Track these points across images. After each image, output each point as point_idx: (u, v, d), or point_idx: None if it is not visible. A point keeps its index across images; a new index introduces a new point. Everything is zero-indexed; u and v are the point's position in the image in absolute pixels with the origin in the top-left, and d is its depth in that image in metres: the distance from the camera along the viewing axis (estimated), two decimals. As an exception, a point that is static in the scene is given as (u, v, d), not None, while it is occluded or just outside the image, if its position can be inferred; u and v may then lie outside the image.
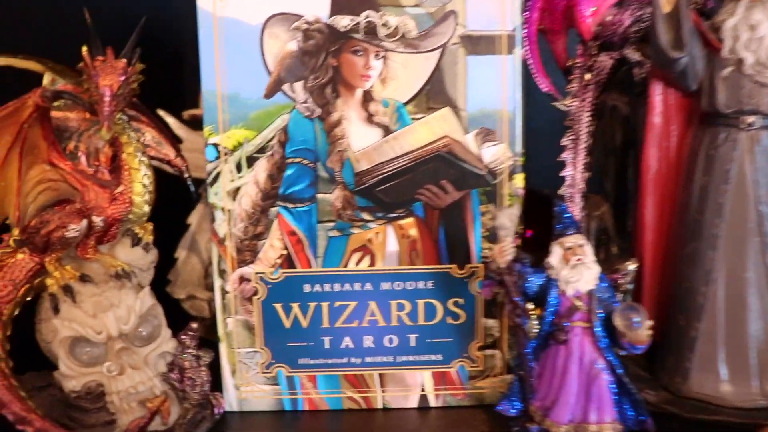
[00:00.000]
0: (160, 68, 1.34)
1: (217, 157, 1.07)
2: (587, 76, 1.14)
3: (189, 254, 1.32)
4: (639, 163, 1.13)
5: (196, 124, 1.26)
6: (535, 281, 1.00)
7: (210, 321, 1.21)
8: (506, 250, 0.98)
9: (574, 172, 1.14)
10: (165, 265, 1.29)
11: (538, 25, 1.13)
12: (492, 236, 1.08)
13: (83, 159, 1.03)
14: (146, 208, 1.02)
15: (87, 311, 1.00)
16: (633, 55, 1.11)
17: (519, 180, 1.08)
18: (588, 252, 0.99)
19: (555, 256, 1.00)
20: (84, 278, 1.02)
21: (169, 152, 1.08)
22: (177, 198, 1.13)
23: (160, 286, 1.24)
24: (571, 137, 1.14)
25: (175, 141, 1.10)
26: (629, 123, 1.13)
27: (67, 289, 1.01)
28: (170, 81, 1.38)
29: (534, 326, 0.99)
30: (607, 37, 1.12)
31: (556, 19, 1.15)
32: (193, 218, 1.32)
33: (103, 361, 1.01)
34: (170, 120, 1.31)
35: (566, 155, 1.14)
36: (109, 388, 1.02)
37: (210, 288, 1.31)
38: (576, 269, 0.98)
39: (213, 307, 1.28)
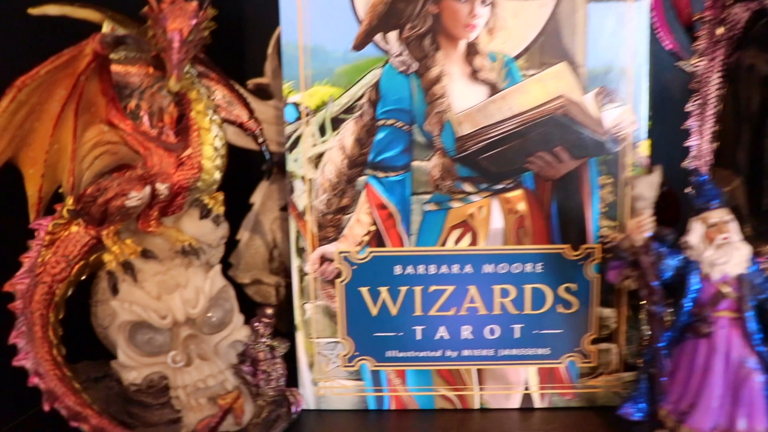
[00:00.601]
0: (220, 33, 1.22)
1: (298, 119, 0.93)
2: (718, 31, 0.99)
3: (252, 236, 1.19)
4: (780, 131, 0.97)
5: (261, 93, 1.13)
6: (670, 264, 0.85)
7: (277, 309, 1.07)
8: (644, 225, 0.83)
9: (701, 142, 0.99)
10: (226, 247, 1.16)
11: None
12: (611, 213, 0.93)
13: (145, 119, 0.89)
14: (217, 175, 0.89)
15: (150, 292, 0.87)
16: (776, 4, 0.95)
17: (644, 148, 0.93)
18: (735, 229, 0.85)
19: (695, 234, 0.85)
20: (146, 254, 0.88)
21: (241, 114, 0.95)
22: (238, 173, 0.99)
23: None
24: (697, 102, 0.99)
25: (247, 102, 0.96)
26: (768, 85, 0.98)
27: (128, 267, 0.87)
28: (231, 47, 1.25)
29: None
30: (746, -17, 0.97)
31: (682, -32, 1.00)
32: (257, 197, 1.18)
33: (167, 350, 0.88)
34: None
35: (691, 122, 0.99)
36: (174, 382, 0.88)
37: (276, 272, 1.18)
38: (722, 249, 0.83)
39: (281, 293, 1.15)
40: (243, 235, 1.20)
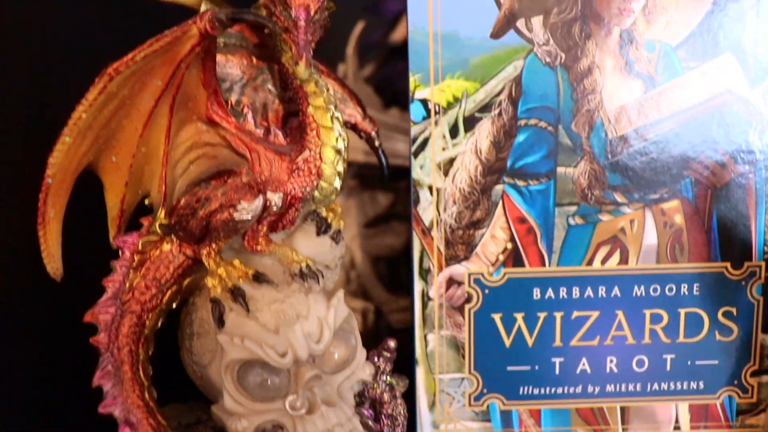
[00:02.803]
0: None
1: (426, 117, 0.80)
2: None
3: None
4: None
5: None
6: None
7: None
8: None
9: None
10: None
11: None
12: (779, 225, 0.82)
13: (250, 117, 0.75)
14: (337, 183, 0.75)
15: (266, 324, 0.72)
16: None
17: (818, 150, 0.81)
18: None
19: None
20: (259, 278, 0.74)
21: (354, 113, 0.81)
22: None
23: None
24: None
25: (359, 99, 0.82)
26: None
27: (237, 294, 0.73)
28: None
29: None
30: None
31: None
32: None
33: (285, 394, 0.73)
34: None
35: None
36: (293, 432, 0.73)
37: (355, 295, 1.04)
38: None
39: (369, 319, 1.02)
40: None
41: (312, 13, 0.70)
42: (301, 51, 0.70)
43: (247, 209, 0.73)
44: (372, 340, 0.94)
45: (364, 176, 1.07)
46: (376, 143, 0.82)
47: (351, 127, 0.82)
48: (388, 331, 1.04)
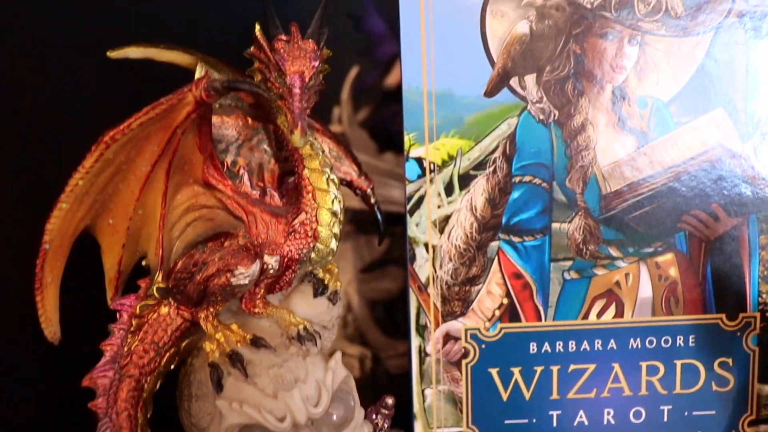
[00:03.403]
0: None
1: (421, 176, 0.80)
2: None
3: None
4: None
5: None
6: None
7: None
8: None
9: None
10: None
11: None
12: (771, 277, 0.82)
13: (246, 179, 0.76)
14: (334, 244, 0.75)
15: (264, 389, 0.72)
16: None
17: (809, 202, 0.82)
18: None
19: None
20: (257, 342, 0.74)
21: (350, 170, 0.81)
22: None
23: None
24: None
25: (355, 156, 0.82)
26: None
27: (236, 358, 0.73)
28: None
29: None
30: None
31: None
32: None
33: (284, 456, 0.73)
34: None
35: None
36: (289, 497, 0.74)
37: (351, 339, 1.05)
38: None
39: (366, 366, 1.02)
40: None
41: (307, 79, 0.71)
42: (297, 119, 0.70)
43: (244, 274, 0.73)
44: (369, 387, 0.95)
45: (360, 221, 1.07)
46: (372, 200, 0.83)
47: (347, 184, 0.82)
48: (386, 377, 1.05)
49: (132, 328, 0.76)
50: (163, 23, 0.93)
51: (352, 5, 1.00)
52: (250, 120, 0.78)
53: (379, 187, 0.85)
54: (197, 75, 0.76)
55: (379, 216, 0.83)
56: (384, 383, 1.03)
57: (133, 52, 0.78)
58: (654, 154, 0.81)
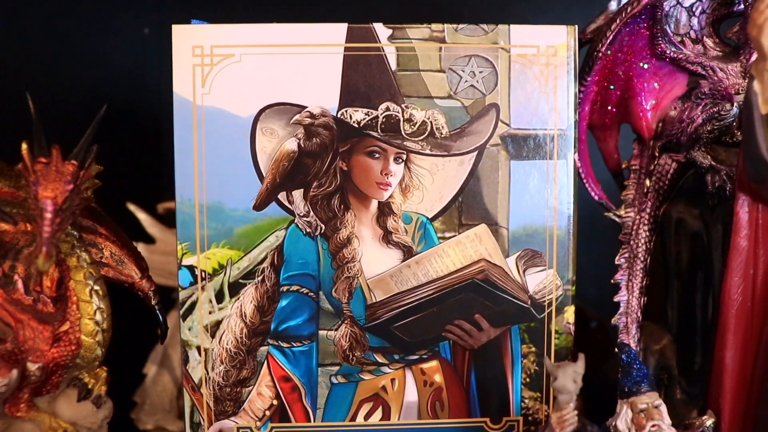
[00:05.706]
0: (132, 154, 1.12)
1: (193, 283, 0.84)
2: (646, 183, 0.94)
3: (160, 371, 1.09)
4: (711, 289, 0.92)
5: (172, 219, 1.04)
6: (597, 448, 0.78)
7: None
8: (567, 420, 0.76)
9: (629, 297, 0.94)
10: (132, 383, 1.08)
11: (587, 121, 0.93)
12: (534, 384, 0.86)
13: (20, 284, 0.79)
14: (98, 351, 0.79)
15: (19, 492, 0.76)
16: (703, 159, 0.90)
17: (570, 314, 0.86)
18: (665, 415, 0.78)
19: (623, 419, 0.79)
20: (15, 446, 0.78)
21: (132, 273, 0.85)
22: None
23: (123, 410, 1.01)
24: (625, 255, 0.93)
25: (141, 258, 0.86)
26: (699, 240, 0.92)
27: (-8, 462, 0.77)
28: (144, 168, 1.16)
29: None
30: (672, 135, 0.92)
31: (608, 113, 0.95)
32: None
33: None
34: (141, 216, 1.10)
35: (620, 276, 0.93)
36: None
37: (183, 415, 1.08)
38: (652, 438, 0.77)
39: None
40: (150, 369, 1.10)
41: (59, 203, 0.74)
42: (42, 244, 0.73)
43: (1, 384, 0.76)
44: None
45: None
46: (153, 302, 0.87)
47: (129, 286, 0.86)
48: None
49: None
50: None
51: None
52: (29, 226, 0.82)
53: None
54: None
55: (159, 317, 0.86)
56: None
57: None
58: (418, 267, 0.85)
